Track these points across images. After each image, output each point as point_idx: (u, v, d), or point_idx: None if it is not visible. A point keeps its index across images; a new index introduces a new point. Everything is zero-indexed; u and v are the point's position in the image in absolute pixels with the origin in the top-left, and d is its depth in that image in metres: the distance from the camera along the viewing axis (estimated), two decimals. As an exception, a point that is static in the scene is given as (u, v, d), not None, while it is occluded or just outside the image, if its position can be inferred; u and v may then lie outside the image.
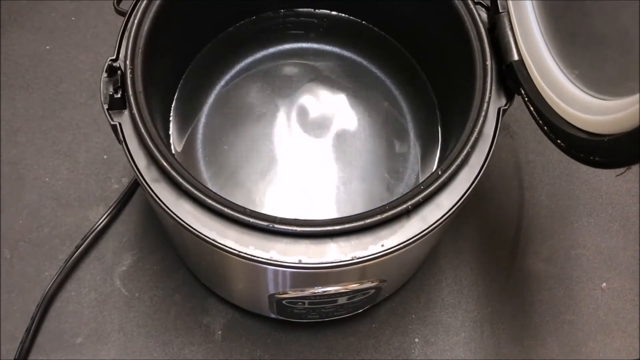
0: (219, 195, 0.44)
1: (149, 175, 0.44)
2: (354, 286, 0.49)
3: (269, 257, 0.42)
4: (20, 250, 0.63)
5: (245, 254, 0.42)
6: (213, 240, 0.42)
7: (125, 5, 0.50)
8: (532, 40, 0.46)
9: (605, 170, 0.69)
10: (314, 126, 0.59)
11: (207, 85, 0.60)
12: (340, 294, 0.49)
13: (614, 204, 0.69)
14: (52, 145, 0.68)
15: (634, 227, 0.68)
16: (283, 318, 0.57)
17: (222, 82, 0.61)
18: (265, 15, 0.62)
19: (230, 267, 0.50)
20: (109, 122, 0.45)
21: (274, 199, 0.56)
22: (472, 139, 0.45)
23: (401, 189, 0.57)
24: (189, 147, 0.58)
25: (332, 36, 0.63)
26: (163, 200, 0.43)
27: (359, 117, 0.60)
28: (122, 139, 0.45)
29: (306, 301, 0.51)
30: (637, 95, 0.34)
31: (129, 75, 0.46)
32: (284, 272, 0.45)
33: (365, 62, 0.62)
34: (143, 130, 0.44)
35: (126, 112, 0.46)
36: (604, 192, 0.70)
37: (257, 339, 0.61)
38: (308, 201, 0.56)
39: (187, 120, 0.58)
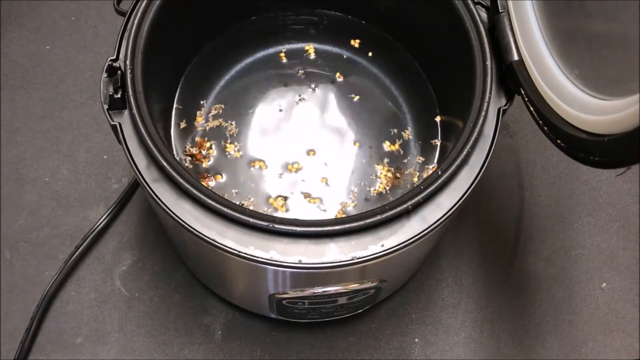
0: (219, 195, 0.44)
1: (149, 175, 0.44)
2: (354, 286, 0.49)
3: (269, 257, 0.42)
4: (20, 250, 0.63)
5: (245, 254, 0.42)
6: (213, 240, 0.42)
7: (125, 5, 0.50)
8: (532, 40, 0.46)
9: (605, 170, 0.69)
10: (314, 126, 0.59)
11: (207, 85, 0.60)
12: (340, 294, 0.49)
13: (614, 204, 0.69)
14: (52, 145, 0.68)
15: (634, 227, 0.68)
16: (283, 318, 0.57)
17: (222, 82, 0.61)
18: (265, 15, 0.62)
19: (231, 267, 0.50)
20: (109, 122, 0.45)
21: (276, 199, 0.56)
22: (472, 139, 0.45)
23: (401, 189, 0.57)
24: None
25: (331, 36, 0.63)
26: (163, 200, 0.43)
27: (359, 116, 0.60)
28: (122, 139, 0.45)
29: (306, 301, 0.51)
30: (637, 95, 0.34)
31: (129, 75, 0.46)
32: (284, 272, 0.45)
33: (365, 62, 0.62)
34: (143, 130, 0.44)
35: (126, 112, 0.46)
36: (604, 192, 0.70)
37: (257, 339, 0.61)
38: (306, 203, 0.56)
39: (188, 136, 0.58)
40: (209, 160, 0.57)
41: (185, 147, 0.57)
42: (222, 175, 0.56)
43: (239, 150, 0.57)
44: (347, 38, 0.63)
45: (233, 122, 0.59)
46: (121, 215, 0.65)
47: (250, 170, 0.57)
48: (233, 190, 0.56)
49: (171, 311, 0.62)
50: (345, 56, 0.63)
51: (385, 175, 0.56)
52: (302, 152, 0.58)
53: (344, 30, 0.63)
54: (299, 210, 0.55)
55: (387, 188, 0.56)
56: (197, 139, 0.57)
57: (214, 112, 0.59)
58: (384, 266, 0.47)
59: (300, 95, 0.60)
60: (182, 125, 0.58)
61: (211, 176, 0.56)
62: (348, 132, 0.59)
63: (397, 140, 0.58)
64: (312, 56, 0.62)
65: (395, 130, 0.59)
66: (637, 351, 0.63)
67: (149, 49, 0.48)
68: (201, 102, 0.59)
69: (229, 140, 0.58)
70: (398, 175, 0.56)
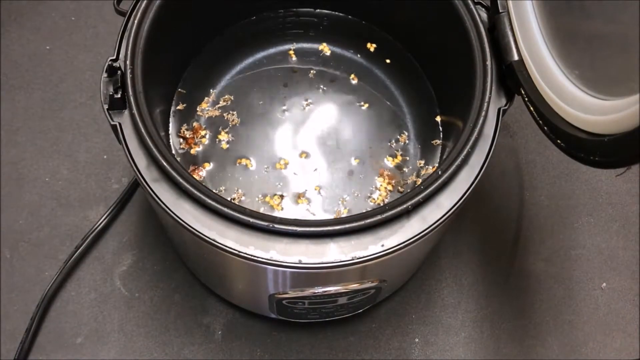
0: (219, 196, 0.44)
1: (149, 175, 0.44)
2: (354, 286, 0.49)
3: (269, 257, 0.42)
4: (20, 250, 0.63)
5: (245, 254, 0.42)
6: (213, 240, 0.42)
7: (125, 5, 0.50)
8: (532, 40, 0.46)
9: (605, 170, 0.69)
10: (314, 126, 0.59)
11: (207, 86, 0.60)
12: (341, 294, 0.49)
13: (614, 204, 0.69)
14: (52, 145, 0.68)
15: (634, 227, 0.68)
16: (283, 318, 0.57)
17: (222, 82, 0.61)
18: (265, 15, 0.62)
19: (231, 267, 0.50)
20: (109, 122, 0.45)
21: (273, 197, 0.56)
22: (472, 139, 0.45)
23: (401, 189, 0.57)
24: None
25: (332, 36, 0.63)
26: (163, 200, 0.43)
27: (359, 117, 0.60)
28: (122, 139, 0.45)
29: (306, 301, 0.51)
30: (637, 95, 0.34)
31: (129, 75, 0.46)
32: (284, 272, 0.45)
33: (365, 62, 0.62)
34: (143, 130, 0.44)
35: (126, 112, 0.46)
36: (604, 192, 0.70)
37: (257, 339, 0.61)
38: (306, 203, 0.56)
39: (187, 120, 0.58)
40: (198, 147, 0.57)
41: (181, 129, 0.57)
42: (209, 163, 0.56)
43: (227, 143, 0.58)
44: (346, 38, 0.63)
45: (234, 113, 0.59)
46: (121, 215, 0.65)
47: (236, 166, 0.57)
48: (221, 188, 0.56)
49: (171, 311, 0.62)
50: (345, 56, 0.63)
51: (385, 188, 0.56)
52: (296, 154, 0.57)
53: (343, 30, 0.63)
54: (291, 211, 0.55)
55: (386, 200, 0.56)
56: (195, 124, 0.58)
57: (222, 103, 0.59)
58: (384, 266, 0.47)
59: (300, 96, 0.60)
60: (180, 107, 0.58)
61: (200, 166, 0.56)
62: (347, 132, 0.59)
63: (397, 152, 0.58)
64: (312, 57, 0.62)
65: (397, 138, 0.59)
66: (637, 351, 0.63)
67: (149, 49, 0.48)
68: (211, 90, 0.60)
69: (226, 130, 0.58)
70: (400, 189, 0.56)
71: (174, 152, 0.57)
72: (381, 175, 0.57)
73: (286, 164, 0.57)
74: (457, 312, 0.63)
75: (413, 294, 0.64)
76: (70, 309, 0.61)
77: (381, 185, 0.56)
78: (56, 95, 0.70)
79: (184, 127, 0.58)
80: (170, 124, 0.58)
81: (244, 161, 0.57)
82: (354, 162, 0.57)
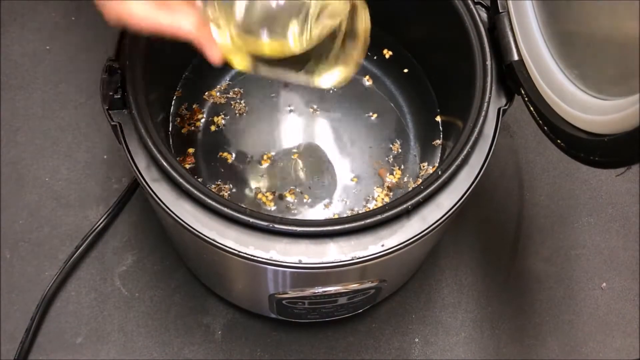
0: (219, 195, 0.44)
1: (149, 175, 0.44)
2: (354, 286, 0.49)
3: (269, 257, 0.42)
4: (20, 250, 0.63)
5: (245, 254, 0.42)
6: (213, 240, 0.42)
7: (125, 5, 0.50)
8: (532, 40, 0.46)
9: (605, 170, 0.69)
10: (314, 125, 0.59)
11: (207, 85, 0.60)
12: (341, 294, 0.49)
13: (614, 204, 0.69)
14: (52, 145, 0.68)
15: (634, 227, 0.68)
16: (283, 318, 0.57)
17: (223, 82, 0.61)
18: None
19: (230, 267, 0.50)
20: (109, 122, 0.45)
21: (272, 198, 0.56)
22: (472, 139, 0.45)
23: (401, 189, 0.57)
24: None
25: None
26: (163, 200, 0.43)
27: (359, 117, 0.60)
28: (122, 139, 0.45)
29: (306, 301, 0.51)
30: (637, 95, 0.34)
31: (129, 75, 0.46)
32: (284, 272, 0.45)
33: (365, 62, 0.62)
34: (143, 130, 0.44)
35: (126, 112, 0.46)
36: (604, 192, 0.70)
37: (257, 339, 0.61)
38: (306, 203, 0.56)
39: (188, 100, 0.59)
40: (189, 129, 0.58)
41: (181, 107, 0.58)
42: (193, 149, 0.57)
43: (218, 127, 0.58)
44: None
45: (242, 102, 0.59)
46: (121, 215, 0.65)
47: (218, 157, 0.57)
48: (217, 182, 0.56)
49: (171, 311, 0.62)
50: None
51: (383, 200, 0.56)
52: (288, 153, 0.58)
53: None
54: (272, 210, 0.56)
55: None
56: (194, 106, 0.59)
57: (232, 95, 0.59)
58: (384, 266, 0.47)
59: (300, 96, 0.60)
60: (179, 93, 0.59)
61: (186, 150, 0.56)
62: (347, 132, 0.59)
63: (396, 140, 0.58)
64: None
65: (395, 130, 0.59)
66: (637, 351, 0.63)
67: (149, 49, 0.48)
68: (222, 80, 0.60)
69: (224, 118, 0.58)
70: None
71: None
72: (381, 178, 0.57)
73: (269, 158, 0.57)
74: (457, 312, 0.63)
75: (413, 294, 0.64)
76: (70, 309, 0.61)
77: (378, 196, 0.56)
78: (56, 95, 0.70)
79: (184, 105, 0.58)
80: (172, 103, 0.59)
81: (225, 154, 0.57)
82: (351, 167, 0.57)
